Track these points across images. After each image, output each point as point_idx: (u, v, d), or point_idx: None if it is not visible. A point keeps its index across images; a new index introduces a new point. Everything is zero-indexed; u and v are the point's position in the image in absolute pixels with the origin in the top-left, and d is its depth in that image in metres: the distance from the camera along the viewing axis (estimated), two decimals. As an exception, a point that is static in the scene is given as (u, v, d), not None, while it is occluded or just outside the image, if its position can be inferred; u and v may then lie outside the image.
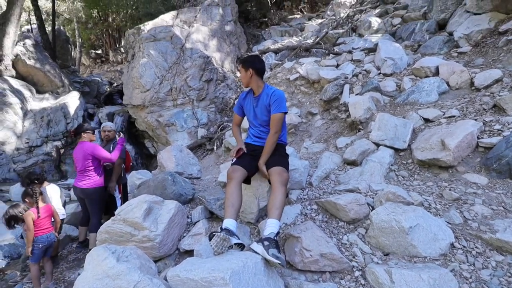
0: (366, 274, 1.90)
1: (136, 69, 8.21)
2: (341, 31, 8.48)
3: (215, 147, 7.06)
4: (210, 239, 1.84)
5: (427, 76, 4.53)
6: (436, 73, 4.51)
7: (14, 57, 9.76)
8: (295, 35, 10.99)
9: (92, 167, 3.70)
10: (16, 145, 8.49)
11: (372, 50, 6.32)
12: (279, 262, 1.68)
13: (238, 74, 9.73)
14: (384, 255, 2.06)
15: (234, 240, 1.84)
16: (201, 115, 8.37)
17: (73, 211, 4.42)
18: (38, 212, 3.12)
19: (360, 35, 7.94)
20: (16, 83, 9.49)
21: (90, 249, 3.83)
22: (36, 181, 3.61)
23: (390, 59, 5.21)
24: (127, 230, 2.60)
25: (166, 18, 9.19)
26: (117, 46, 21.67)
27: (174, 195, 3.22)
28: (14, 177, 8.10)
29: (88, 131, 3.83)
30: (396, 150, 3.14)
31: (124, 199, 3.95)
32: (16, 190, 6.27)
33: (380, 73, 5.29)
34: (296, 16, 13.37)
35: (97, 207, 3.78)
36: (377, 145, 3.24)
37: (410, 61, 5.33)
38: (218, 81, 8.99)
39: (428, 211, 2.22)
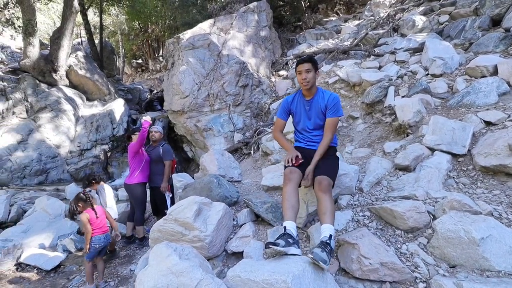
0: (432, 287, 1.78)
1: (176, 76, 8.58)
2: (381, 31, 8.17)
3: (252, 152, 7.12)
4: (265, 247, 1.83)
5: (483, 76, 4.19)
6: (494, 72, 4.16)
7: (68, 68, 10.67)
8: (331, 37, 10.81)
9: (134, 165, 4.00)
10: (69, 148, 9.25)
11: (418, 50, 6.00)
12: (311, 256, 1.66)
13: (273, 79, 9.77)
14: (450, 267, 1.91)
15: (292, 251, 1.82)
16: (237, 120, 8.51)
17: (122, 210, 4.68)
18: (95, 213, 3.31)
19: (403, 35, 7.59)
20: (69, 92, 10.38)
21: (137, 239, 4.09)
22: (93, 181, 3.92)
23: (439, 59, 4.90)
24: (178, 229, 2.68)
25: (204, 27, 9.53)
26: (156, 55, 22.92)
27: (219, 197, 3.28)
28: (67, 177, 8.81)
29: (135, 133, 4.13)
30: (454, 155, 2.92)
31: (171, 199, 4.12)
32: (71, 189, 6.82)
33: (428, 74, 5.00)
34: (331, 18, 13.15)
35: (139, 201, 4.03)
36: (432, 150, 3.04)
37: (462, 61, 4.98)
38: (254, 86, 9.09)
39: (500, 222, 2.03)
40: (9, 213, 5.54)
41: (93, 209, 3.33)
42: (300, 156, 2.26)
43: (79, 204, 3.35)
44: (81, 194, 3.38)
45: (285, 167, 2.29)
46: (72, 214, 3.60)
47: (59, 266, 3.86)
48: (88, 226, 3.22)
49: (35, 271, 3.76)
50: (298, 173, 2.18)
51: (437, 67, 4.89)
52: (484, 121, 3.21)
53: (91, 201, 3.36)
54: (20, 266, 3.82)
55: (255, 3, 10.22)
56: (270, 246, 1.77)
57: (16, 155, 8.10)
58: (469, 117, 3.31)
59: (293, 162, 2.21)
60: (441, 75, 4.84)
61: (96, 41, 15.28)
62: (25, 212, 5.59)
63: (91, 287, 3.22)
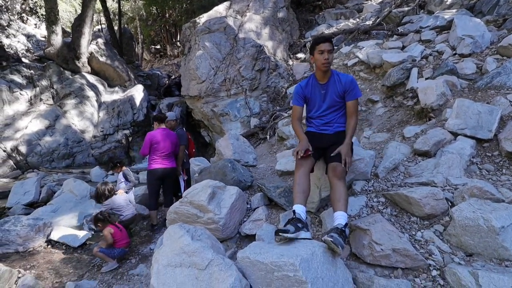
0: (446, 274, 1.74)
1: (193, 61, 8.58)
2: (406, 9, 7.68)
3: (268, 136, 7.09)
4: (275, 234, 1.83)
5: (517, 55, 3.88)
6: (530, 50, 3.83)
7: (89, 55, 10.90)
8: (351, 17, 10.33)
9: (175, 152, 4.21)
10: (93, 133, 9.65)
11: (445, 28, 5.61)
12: (331, 240, 1.65)
13: (291, 62, 9.54)
14: (467, 255, 1.86)
15: (302, 235, 1.82)
16: (253, 104, 8.46)
17: (142, 193, 4.87)
18: (119, 228, 3.50)
19: (430, 12, 7.10)
20: (92, 78, 10.67)
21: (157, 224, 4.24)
22: (118, 164, 4.12)
23: (468, 37, 4.57)
24: (194, 211, 2.77)
25: (220, 9, 9.36)
26: (174, 40, 22.96)
27: (233, 181, 3.32)
28: (92, 161, 9.24)
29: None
30: (479, 140, 2.77)
31: (188, 182, 4.23)
32: (95, 172, 7.18)
33: (455, 54, 4.68)
34: (352, -3, 12.50)
35: (174, 184, 4.25)
36: (455, 134, 2.90)
37: (493, 39, 4.61)
38: (270, 70, 8.94)
39: (524, 210, 1.92)
40: (40, 193, 5.94)
41: (114, 224, 3.52)
42: (310, 148, 2.17)
43: (99, 224, 3.51)
44: (99, 215, 3.52)
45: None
46: (100, 197, 3.83)
47: (85, 243, 4.13)
48: (110, 240, 3.41)
49: (64, 247, 4.03)
50: (311, 159, 2.16)
51: (466, 46, 4.57)
52: (515, 104, 3.00)
53: (109, 219, 3.53)
54: (50, 243, 4.10)
55: (272, -17, 9.86)
56: (280, 233, 1.78)
57: (45, 140, 8.56)
58: (498, 100, 3.10)
59: (302, 154, 2.14)
60: (469, 55, 4.52)
61: (115, 28, 15.48)
62: (54, 193, 5.95)
63: (113, 264, 3.41)
